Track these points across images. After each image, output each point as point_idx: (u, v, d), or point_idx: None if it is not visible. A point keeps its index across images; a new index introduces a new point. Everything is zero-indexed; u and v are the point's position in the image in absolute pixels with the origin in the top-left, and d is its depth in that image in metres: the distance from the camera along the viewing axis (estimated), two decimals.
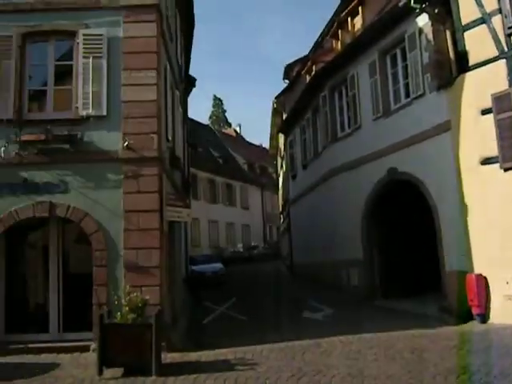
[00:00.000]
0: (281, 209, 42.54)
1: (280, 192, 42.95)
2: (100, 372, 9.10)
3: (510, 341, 10.59)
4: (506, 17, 12.50)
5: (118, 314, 9.60)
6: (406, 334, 11.68)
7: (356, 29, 21.45)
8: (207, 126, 65.47)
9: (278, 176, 45.13)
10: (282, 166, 37.91)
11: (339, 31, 23.09)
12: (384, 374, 8.45)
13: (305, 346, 10.92)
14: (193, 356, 10.63)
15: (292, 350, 10.61)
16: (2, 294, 11.87)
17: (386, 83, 17.22)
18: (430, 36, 14.33)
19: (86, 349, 11.01)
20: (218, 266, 28.56)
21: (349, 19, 22.32)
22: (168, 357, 10.36)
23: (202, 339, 12.48)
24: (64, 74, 12.40)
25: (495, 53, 12.75)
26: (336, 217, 20.27)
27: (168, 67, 14.44)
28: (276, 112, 36.25)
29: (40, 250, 12.67)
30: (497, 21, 12.71)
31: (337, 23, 23.23)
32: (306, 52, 29.03)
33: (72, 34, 12.20)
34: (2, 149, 11.56)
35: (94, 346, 10.61)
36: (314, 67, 25.25)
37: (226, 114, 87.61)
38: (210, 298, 20.63)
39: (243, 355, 10.39)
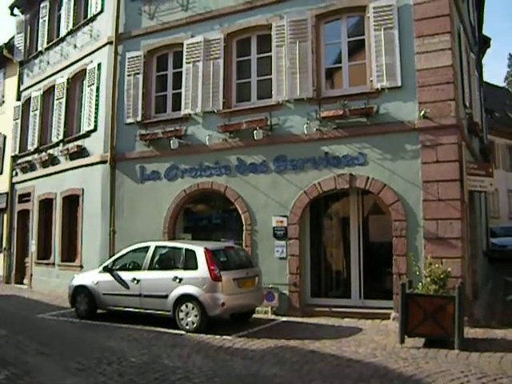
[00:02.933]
0: None
1: None
2: (402, 340, 9.23)
3: None
4: None
5: (420, 284, 9.61)
6: None
7: None
8: (503, 88, 60.49)
9: None
10: None
11: None
12: None
13: None
14: (497, 333, 10.09)
15: None
16: (308, 260, 12.84)
17: None
18: None
19: (386, 317, 11.32)
20: None
21: None
22: (470, 332, 10.01)
23: (506, 316, 11.74)
24: (356, 49, 12.73)
25: None
26: None
27: (461, 29, 13.70)
28: None
29: (340, 220, 13.35)
30: None
31: None
32: None
33: (362, 9, 12.39)
34: (305, 126, 12.39)
35: (394, 314, 10.84)
36: None
37: None
38: None
39: None
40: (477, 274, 13.75)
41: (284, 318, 12.08)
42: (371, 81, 12.04)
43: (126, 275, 11.71)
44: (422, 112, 11.26)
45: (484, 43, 22.64)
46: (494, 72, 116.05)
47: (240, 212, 13.31)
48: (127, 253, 12.25)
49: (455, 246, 10.83)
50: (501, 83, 68.09)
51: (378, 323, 11.28)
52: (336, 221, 13.70)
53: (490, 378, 7.15)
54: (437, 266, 9.55)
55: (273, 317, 12.31)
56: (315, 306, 12.45)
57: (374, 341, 9.67)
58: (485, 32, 23.34)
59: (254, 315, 11.97)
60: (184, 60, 14.42)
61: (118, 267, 12.08)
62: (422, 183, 11.27)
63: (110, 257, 13.49)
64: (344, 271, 13.04)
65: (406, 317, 9.21)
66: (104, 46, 16.31)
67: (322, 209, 13.57)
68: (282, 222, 12.69)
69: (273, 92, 13.12)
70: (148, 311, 11.32)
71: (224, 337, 10.08)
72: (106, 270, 12.22)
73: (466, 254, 11.40)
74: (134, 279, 11.45)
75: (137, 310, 11.48)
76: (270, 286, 12.33)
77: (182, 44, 14.47)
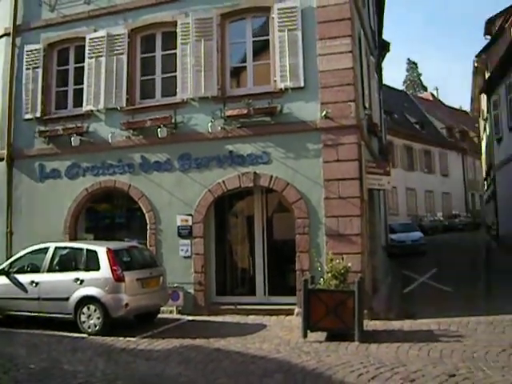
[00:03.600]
0: (484, 175, 39.95)
1: (483, 157, 40.31)
2: (305, 335, 9.46)
3: None
4: None
5: (321, 279, 9.87)
6: None
7: None
8: (402, 91, 63.38)
9: (480, 140, 42.35)
10: (484, 129, 35.45)
11: None
12: None
13: None
14: (395, 325, 10.57)
15: (502, 324, 10.02)
16: (213, 259, 12.86)
17: None
18: None
19: (290, 312, 11.54)
20: (418, 234, 27.74)
21: None
22: (369, 324, 10.41)
23: (403, 309, 12.30)
24: (261, 49, 12.88)
25: None
26: None
27: (362, 33, 14.21)
28: (477, 71, 33.81)
29: (245, 218, 13.47)
30: None
31: None
32: (509, 3, 26.60)
33: (267, 10, 12.56)
34: (209, 124, 12.39)
35: (297, 309, 11.06)
36: None
37: (422, 78, 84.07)
38: (410, 267, 20.20)
39: (447, 327, 10.08)
40: (376, 268, 14.30)
41: (189, 317, 12.02)
42: (275, 81, 12.23)
43: (23, 278, 11.19)
44: (324, 112, 11.58)
45: (384, 48, 23.59)
46: (393, 76, 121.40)
47: (144, 211, 13.10)
48: (25, 254, 11.70)
49: (355, 242, 11.24)
50: (400, 86, 71.34)
51: (282, 319, 11.49)
52: (241, 219, 13.82)
53: (388, 367, 7.47)
54: (337, 261, 9.86)
55: (178, 316, 12.21)
56: (221, 304, 12.48)
57: (278, 336, 9.84)
58: (385, 37, 24.34)
59: (159, 315, 11.84)
60: (86, 55, 13.96)
61: (15, 270, 11.50)
62: (323, 181, 11.60)
63: (7, 259, 12.84)
64: (249, 269, 13.18)
65: (309, 312, 9.45)
66: (0, 37, 15.49)
67: (227, 207, 13.65)
68: (186, 220, 12.63)
69: (177, 90, 13.01)
70: (48, 315, 10.87)
71: (128, 338, 9.90)
72: (2, 272, 11.61)
73: (366, 249, 11.85)
74: (33, 282, 10.96)
75: (36, 314, 11.00)
76: (175, 285, 12.22)
77: (85, 38, 14.00)
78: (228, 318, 11.76)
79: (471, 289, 14.47)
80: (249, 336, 9.95)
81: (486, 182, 39.63)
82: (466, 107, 55.06)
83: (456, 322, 10.43)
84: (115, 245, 11.29)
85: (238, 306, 12.20)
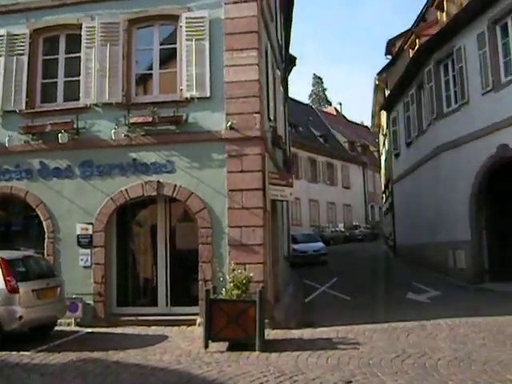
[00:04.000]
0: (383, 188, 41.71)
1: (382, 171, 42.07)
2: (206, 345, 9.42)
3: None
4: None
5: (223, 289, 9.87)
6: None
7: None
8: (307, 105, 65.12)
9: (380, 154, 44.20)
10: (384, 144, 37.06)
11: (444, 2, 22.01)
12: (494, 359, 8.08)
13: (409, 328, 10.72)
14: (295, 333, 10.74)
15: (395, 331, 10.45)
16: (114, 269, 12.54)
17: (496, 55, 16.25)
18: None
19: (192, 323, 11.46)
20: (319, 245, 28.49)
21: None
22: (271, 333, 10.53)
23: (304, 317, 12.56)
24: (169, 58, 12.80)
25: None
26: (442, 196, 19.55)
27: (269, 47, 14.48)
28: (378, 89, 35.40)
29: (148, 227, 13.26)
30: None
31: None
32: (409, 26, 28.08)
33: (175, 18, 12.50)
34: (113, 131, 12.12)
35: (200, 320, 11.00)
36: (417, 41, 24.36)
37: (326, 93, 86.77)
38: (312, 276, 20.70)
39: (345, 335, 10.36)
40: (278, 278, 14.51)
41: (88, 330, 11.62)
42: (181, 90, 12.17)
43: None
44: (229, 123, 11.66)
45: (290, 62, 24.11)
46: (300, 90, 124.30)
47: (42, 219, 12.57)
48: None
49: (257, 252, 11.35)
50: (306, 100, 73.17)
51: (184, 330, 11.38)
52: (144, 228, 13.59)
53: (287, 376, 7.59)
54: (239, 271, 9.92)
55: (76, 328, 11.78)
56: (121, 316, 12.18)
57: (179, 347, 9.73)
58: (293, 52, 24.91)
59: (56, 327, 11.35)
60: None
61: None
62: (227, 192, 11.65)
63: None
64: (152, 279, 12.97)
65: (210, 322, 9.43)
66: None
67: (130, 216, 13.39)
68: (86, 229, 12.25)
69: (80, 94, 12.63)
70: None
71: (22, 353, 9.41)
72: None
73: (268, 259, 12.01)
74: None
75: None
76: (74, 296, 11.79)
77: None
78: (129, 330, 11.49)
79: (369, 297, 15.00)
80: (149, 347, 9.77)
81: (384, 195, 41.37)
82: (367, 123, 57.23)
83: (354, 329, 10.77)
84: (9, 254, 10.72)
85: (140, 318, 11.96)
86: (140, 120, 12.03)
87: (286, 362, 8.47)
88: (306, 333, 10.76)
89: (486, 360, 8.06)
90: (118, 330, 11.47)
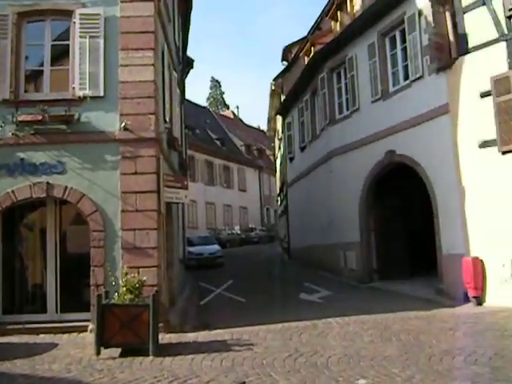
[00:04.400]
0: (278, 191, 42.55)
1: (277, 174, 42.92)
2: (98, 352, 9.14)
3: (505, 323, 10.66)
4: None
5: (116, 294, 9.64)
6: (403, 316, 11.79)
7: (355, 10, 21.21)
8: (205, 108, 65.20)
9: (275, 158, 45.08)
10: (279, 148, 37.83)
11: (338, 12, 22.85)
12: (380, 355, 8.50)
13: (302, 328, 10.99)
14: (190, 337, 10.69)
15: (289, 331, 10.67)
16: None
17: (385, 65, 17.12)
18: (430, 18, 14.23)
19: (84, 329, 11.06)
20: (215, 247, 28.63)
21: (348, 0, 22.10)
22: (165, 337, 10.39)
23: (199, 320, 12.54)
24: (61, 54, 12.30)
25: (495, 35, 12.69)
26: (334, 199, 20.27)
27: (165, 48, 14.34)
28: (274, 94, 36.12)
29: (38, 230, 12.67)
30: (497, 3, 12.62)
31: (336, 4, 23.00)
32: (305, 33, 28.87)
33: (69, 14, 12.06)
34: None
35: (91, 326, 10.65)
36: (312, 49, 25.07)
37: (224, 96, 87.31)
38: (207, 279, 20.73)
39: (240, 336, 10.44)
40: (173, 281, 14.40)
41: None
42: (73, 88, 11.74)
43: None
44: (123, 124, 11.40)
45: (188, 64, 24.03)
46: (200, 93, 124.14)
47: None
48: None
49: (151, 255, 11.16)
50: (204, 103, 73.30)
51: (75, 336, 10.95)
52: (34, 231, 12.94)
53: (181, 380, 7.54)
54: (132, 275, 9.74)
55: None
56: (7, 324, 11.48)
57: (69, 355, 9.35)
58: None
59: None
60: None
61: None
62: (120, 194, 11.36)
63: None
64: (42, 285, 12.38)
65: (102, 328, 9.17)
66: None
67: (18, 219, 12.70)
68: None
69: None
70: None
71: None
72: None
73: (162, 262, 11.88)
74: None
75: None
76: None
77: None
78: (15, 339, 10.86)
79: (263, 299, 15.25)
80: (37, 356, 9.31)
81: (279, 198, 42.22)
82: (264, 127, 58.23)
83: (248, 331, 10.86)
84: None
85: (28, 326, 11.37)
86: (29, 118, 11.46)
87: (180, 365, 8.40)
88: (201, 335, 10.74)
89: (374, 356, 8.45)
90: (4, 340, 10.82)
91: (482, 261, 12.84)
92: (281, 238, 39.22)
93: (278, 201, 45.19)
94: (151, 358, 8.92)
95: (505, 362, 7.80)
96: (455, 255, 13.52)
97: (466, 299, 12.97)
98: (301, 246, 26.82)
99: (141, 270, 10.69)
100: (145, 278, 9.89)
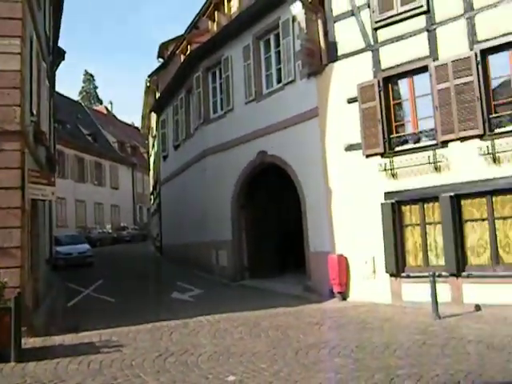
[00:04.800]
0: (152, 189, 42.04)
1: (151, 172, 42.40)
2: None
3: (366, 316, 11.33)
4: (373, 12, 13.18)
5: None
6: (272, 313, 12.14)
7: (232, 11, 21.50)
8: (77, 102, 62.78)
9: (149, 156, 44.49)
10: (153, 146, 37.37)
11: (215, 12, 23.02)
12: (250, 351, 8.68)
13: (172, 327, 10.95)
14: (56, 340, 10.24)
15: (159, 331, 10.59)
16: None
17: (260, 68, 17.49)
18: (303, 24, 14.74)
19: None
20: (85, 246, 27.65)
21: (225, 1, 22.33)
22: (29, 342, 9.87)
23: (65, 322, 12.05)
24: None
25: (363, 45, 13.43)
26: (207, 198, 20.36)
27: (34, 36, 13.59)
28: (149, 91, 35.60)
29: None
30: (365, 15, 13.37)
31: (213, 4, 23.16)
32: (182, 31, 28.77)
33: None
34: None
35: None
36: (189, 47, 25.06)
37: (97, 91, 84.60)
38: (76, 279, 20.01)
39: (109, 337, 10.19)
40: (39, 282, 13.72)
41: None
42: None
43: None
44: None
45: (59, 55, 22.97)
46: (72, 86, 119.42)
47: None
48: None
49: (14, 255, 10.50)
50: (76, 97, 70.66)
51: None
52: None
53: None
54: None
55: None
56: None
57: None
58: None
59: None
60: None
61: None
62: None
63: None
64: None
65: None
66: None
67: None
68: None
69: None
70: None
71: None
72: None
73: (27, 263, 11.25)
74: None
75: None
76: None
77: None
78: None
79: (134, 299, 15.02)
80: None
81: (152, 196, 41.73)
82: (138, 123, 57.21)
83: (117, 332, 10.63)
84: None
85: None
86: None
87: (44, 370, 8.04)
88: (68, 338, 10.32)
89: (243, 352, 8.63)
90: None
91: (346, 258, 13.55)
92: (153, 237, 38.77)
93: (151, 199, 44.63)
94: (13, 363, 8.46)
95: (365, 353, 8.28)
96: (322, 253, 14.13)
97: (332, 295, 13.64)
98: (174, 245, 26.66)
99: (2, 271, 10.02)
100: (6, 280, 9.33)
